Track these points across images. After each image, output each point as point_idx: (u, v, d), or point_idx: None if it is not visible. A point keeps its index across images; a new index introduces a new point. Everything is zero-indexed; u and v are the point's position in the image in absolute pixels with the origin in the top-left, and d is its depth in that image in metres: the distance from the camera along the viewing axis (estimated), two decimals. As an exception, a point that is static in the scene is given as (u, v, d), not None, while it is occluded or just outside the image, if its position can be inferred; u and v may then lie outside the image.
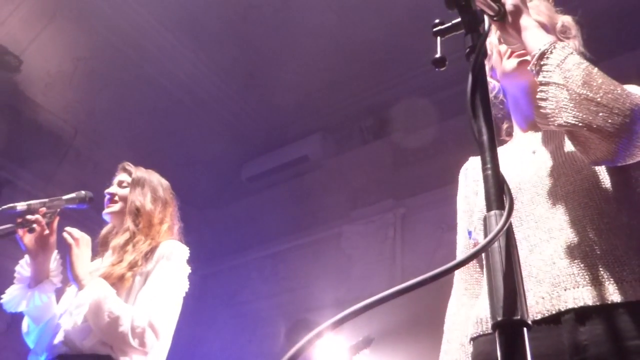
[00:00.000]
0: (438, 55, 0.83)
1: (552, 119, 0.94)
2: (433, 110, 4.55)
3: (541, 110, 0.96)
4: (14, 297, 1.83)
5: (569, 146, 1.09)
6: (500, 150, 1.28)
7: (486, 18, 0.82)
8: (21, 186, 4.23)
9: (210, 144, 5.20)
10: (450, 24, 0.86)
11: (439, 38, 0.86)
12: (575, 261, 0.96)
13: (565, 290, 0.94)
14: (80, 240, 1.77)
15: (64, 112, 4.57)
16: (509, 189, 0.63)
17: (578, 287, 0.93)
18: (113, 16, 4.18)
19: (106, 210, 1.99)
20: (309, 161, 5.11)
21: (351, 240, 4.77)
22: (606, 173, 1.03)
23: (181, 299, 1.84)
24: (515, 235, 1.03)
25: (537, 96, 0.97)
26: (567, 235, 0.99)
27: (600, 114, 0.89)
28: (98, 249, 2.04)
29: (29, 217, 1.81)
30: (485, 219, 0.62)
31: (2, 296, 1.85)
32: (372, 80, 4.74)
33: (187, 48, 4.51)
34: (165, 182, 2.06)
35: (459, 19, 0.84)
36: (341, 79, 4.71)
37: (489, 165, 0.66)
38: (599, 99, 0.90)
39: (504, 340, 0.53)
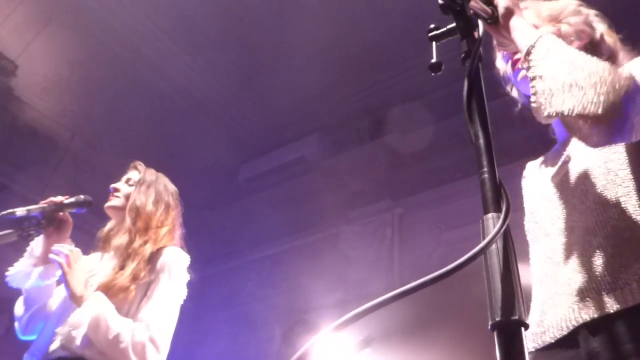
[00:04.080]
0: (434, 60, 0.84)
1: (541, 112, 0.94)
2: (429, 110, 4.57)
3: (533, 105, 0.96)
4: (19, 273, 1.83)
5: (584, 150, 1.09)
6: (545, 157, 1.29)
7: (480, 23, 0.84)
8: (18, 190, 4.22)
9: (208, 146, 5.20)
10: (445, 29, 0.88)
11: (434, 43, 0.87)
12: (587, 274, 0.99)
13: (577, 305, 0.98)
14: (69, 256, 1.74)
15: (61, 116, 4.57)
16: (506, 193, 0.65)
17: (585, 301, 0.97)
18: (109, 19, 4.18)
19: (107, 204, 1.98)
20: (306, 162, 5.11)
21: (349, 240, 4.78)
22: (613, 176, 1.03)
23: (179, 308, 1.85)
24: (546, 253, 1.07)
25: (530, 92, 0.98)
26: (581, 246, 1.02)
27: (586, 98, 0.88)
28: (99, 244, 2.02)
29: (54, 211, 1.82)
30: (482, 222, 0.63)
31: (9, 269, 1.84)
32: (368, 81, 4.75)
33: (183, 50, 4.51)
34: (172, 187, 2.05)
35: (454, 24, 0.85)
36: (337, 80, 4.72)
37: (485, 169, 0.67)
38: (583, 84, 0.89)
39: (502, 340, 0.55)
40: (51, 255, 1.75)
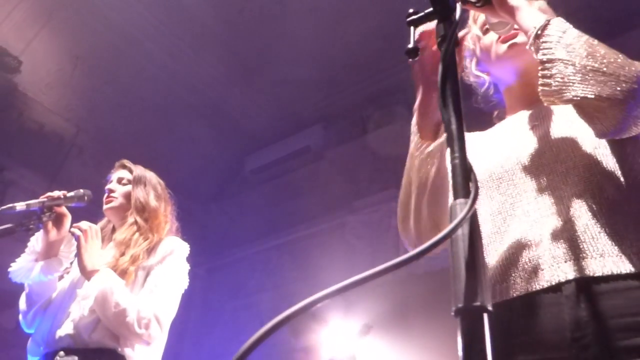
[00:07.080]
0: (411, 45, 0.83)
1: (559, 95, 0.95)
2: (433, 97, 4.52)
3: (546, 88, 0.97)
4: (21, 269, 1.87)
5: (566, 122, 1.10)
6: (497, 126, 1.29)
7: (458, 6, 0.82)
8: (25, 186, 4.27)
9: (213, 138, 5.22)
10: (423, 13, 0.86)
11: (412, 28, 0.86)
12: (576, 234, 0.97)
13: (565, 262, 0.95)
14: (88, 231, 1.82)
15: (66, 111, 4.60)
16: (475, 178, 0.64)
17: (578, 260, 0.94)
18: (110, 13, 4.19)
19: (106, 207, 2.02)
20: (311, 152, 5.11)
21: (355, 230, 4.78)
22: (604, 150, 1.05)
23: (180, 296, 1.88)
24: (514, 211, 1.06)
25: (540, 74, 0.97)
26: (568, 209, 1.00)
27: (609, 83, 0.91)
28: None
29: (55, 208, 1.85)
30: (451, 208, 0.63)
31: (12, 264, 1.89)
32: (372, 69, 4.72)
33: (184, 43, 4.51)
34: (161, 182, 2.10)
35: (432, 9, 0.84)
36: (341, 68, 4.70)
37: (457, 155, 0.66)
38: (605, 69, 0.92)
39: (464, 326, 0.54)
40: (71, 230, 1.83)
